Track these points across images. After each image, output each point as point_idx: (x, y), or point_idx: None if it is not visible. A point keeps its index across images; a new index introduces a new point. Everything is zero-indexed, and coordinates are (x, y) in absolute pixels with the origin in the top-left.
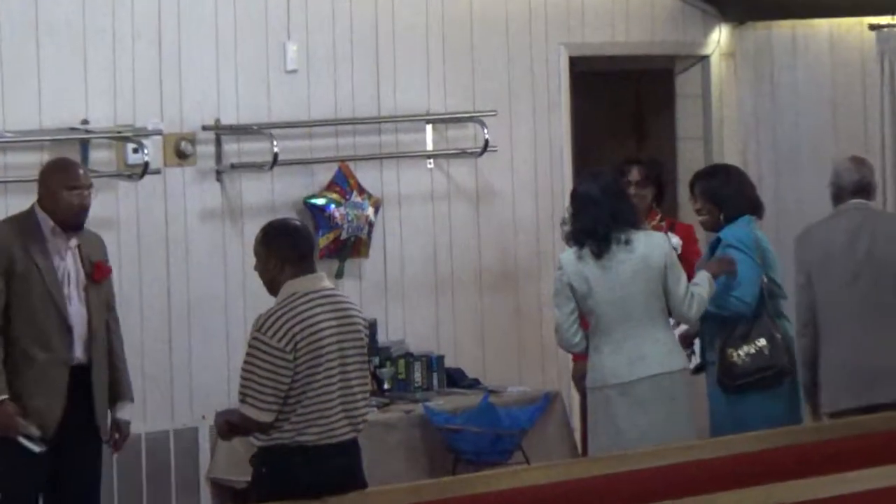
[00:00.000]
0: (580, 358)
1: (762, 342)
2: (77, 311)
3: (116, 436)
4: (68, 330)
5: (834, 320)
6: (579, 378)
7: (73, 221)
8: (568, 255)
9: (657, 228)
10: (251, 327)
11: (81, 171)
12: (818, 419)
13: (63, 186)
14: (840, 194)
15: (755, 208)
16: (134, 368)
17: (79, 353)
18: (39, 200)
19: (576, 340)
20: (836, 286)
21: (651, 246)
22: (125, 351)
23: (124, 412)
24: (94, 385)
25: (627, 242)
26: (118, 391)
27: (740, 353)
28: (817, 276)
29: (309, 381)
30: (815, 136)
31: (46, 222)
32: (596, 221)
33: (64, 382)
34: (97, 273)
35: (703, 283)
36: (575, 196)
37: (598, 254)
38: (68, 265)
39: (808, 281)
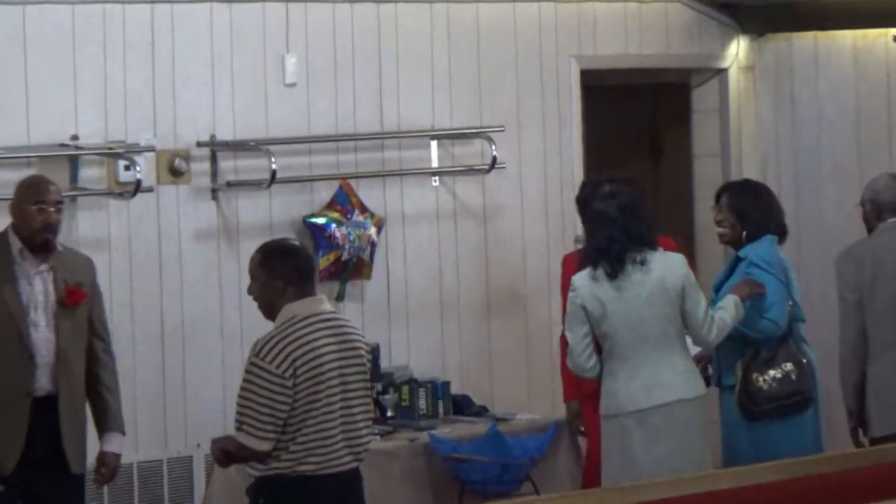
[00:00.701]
0: (571, 395)
1: (789, 366)
2: (43, 338)
3: (103, 470)
4: (30, 357)
5: (883, 342)
6: (573, 417)
7: (38, 240)
8: (581, 275)
9: None
10: (249, 352)
11: (52, 188)
12: (858, 444)
13: (29, 202)
14: (880, 212)
15: (779, 231)
16: (125, 394)
17: (44, 381)
18: (12, 222)
19: (589, 365)
20: (886, 307)
21: (668, 267)
22: (118, 377)
23: (111, 444)
24: (61, 416)
25: (643, 263)
26: (105, 422)
27: (766, 377)
28: (868, 297)
29: (309, 409)
30: (837, 153)
31: (15, 244)
32: (610, 240)
33: (24, 414)
34: (68, 298)
35: (729, 306)
36: (589, 213)
37: (613, 274)
38: (36, 289)
39: (860, 302)
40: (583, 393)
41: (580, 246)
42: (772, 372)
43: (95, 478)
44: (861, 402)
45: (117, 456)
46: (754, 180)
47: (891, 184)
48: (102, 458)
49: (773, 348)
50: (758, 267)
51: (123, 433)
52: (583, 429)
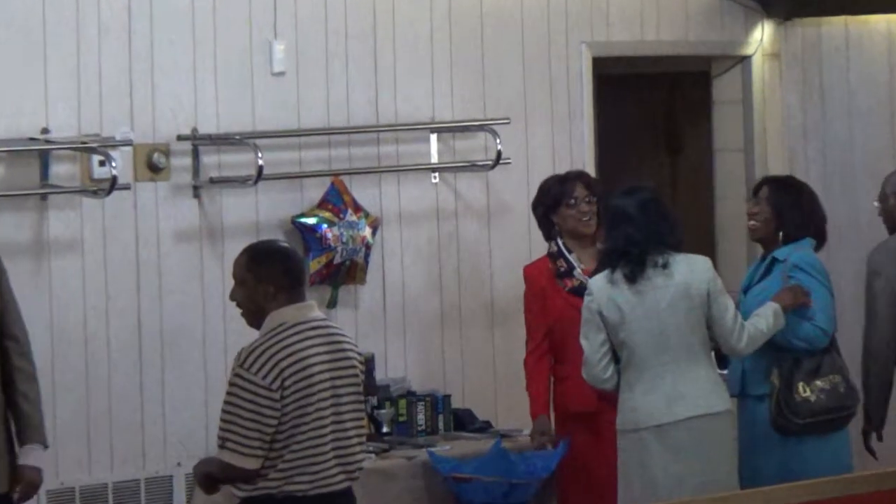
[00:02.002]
0: (538, 409)
1: (837, 378)
2: None
3: (18, 488)
4: None
5: None
6: (539, 433)
7: None
8: (598, 279)
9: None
10: (233, 362)
11: None
12: (870, 450)
13: None
14: None
15: (818, 237)
16: (100, 409)
17: None
18: None
19: (606, 375)
20: None
21: (692, 270)
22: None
23: (29, 458)
24: None
25: (665, 266)
26: (22, 434)
27: (813, 388)
28: None
29: (298, 424)
30: (870, 147)
31: None
32: (629, 241)
33: None
34: None
35: (767, 314)
36: (607, 212)
37: (632, 278)
38: None
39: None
40: (568, 413)
41: (599, 246)
42: (819, 382)
43: (12, 495)
44: (885, 405)
45: (35, 470)
46: (799, 180)
47: None
48: (20, 472)
49: (817, 358)
50: (804, 272)
51: (45, 445)
52: (550, 447)
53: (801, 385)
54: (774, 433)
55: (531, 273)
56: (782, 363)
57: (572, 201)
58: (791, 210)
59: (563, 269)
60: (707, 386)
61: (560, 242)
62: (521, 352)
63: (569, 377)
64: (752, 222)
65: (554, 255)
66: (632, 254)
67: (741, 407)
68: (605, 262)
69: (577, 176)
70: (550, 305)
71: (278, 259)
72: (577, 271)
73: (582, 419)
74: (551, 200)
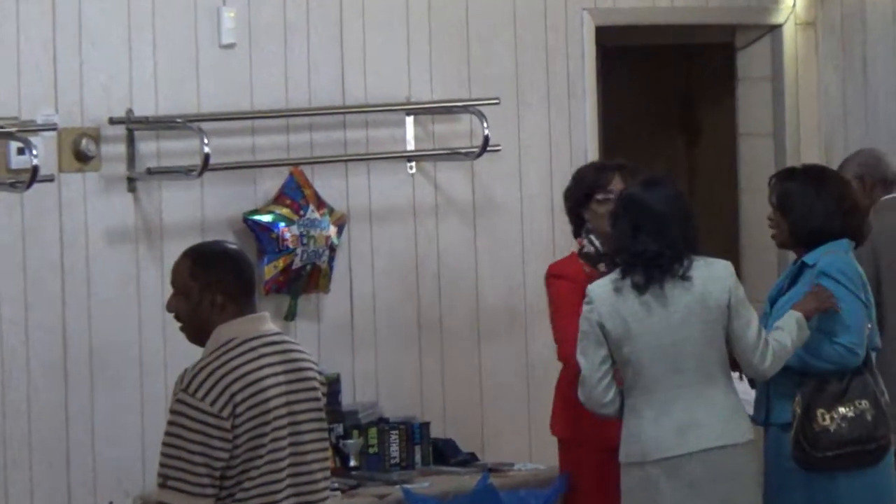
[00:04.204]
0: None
1: (864, 404)
2: None
3: None
4: None
5: None
6: None
7: None
8: (601, 285)
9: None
10: (174, 385)
11: None
12: None
13: None
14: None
15: (853, 236)
16: (18, 439)
17: None
18: None
19: (606, 399)
20: None
21: (711, 278)
22: None
23: None
24: None
25: (684, 273)
26: None
27: (835, 415)
28: None
29: (252, 458)
30: None
31: None
32: (653, 246)
33: None
34: None
35: (789, 326)
36: (623, 207)
37: (644, 286)
38: None
39: None
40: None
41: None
42: (842, 409)
43: None
44: None
45: None
46: (819, 166)
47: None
48: None
49: (845, 380)
50: (831, 278)
51: None
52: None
53: (820, 412)
54: (798, 469)
55: (567, 272)
56: (806, 387)
57: (606, 196)
58: (802, 207)
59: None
60: (725, 413)
61: (597, 242)
62: (511, 372)
63: None
64: (771, 230)
65: (591, 258)
66: (653, 261)
67: (766, 437)
68: (623, 267)
69: (617, 166)
70: None
71: (228, 263)
72: None
73: (601, 452)
74: (582, 192)
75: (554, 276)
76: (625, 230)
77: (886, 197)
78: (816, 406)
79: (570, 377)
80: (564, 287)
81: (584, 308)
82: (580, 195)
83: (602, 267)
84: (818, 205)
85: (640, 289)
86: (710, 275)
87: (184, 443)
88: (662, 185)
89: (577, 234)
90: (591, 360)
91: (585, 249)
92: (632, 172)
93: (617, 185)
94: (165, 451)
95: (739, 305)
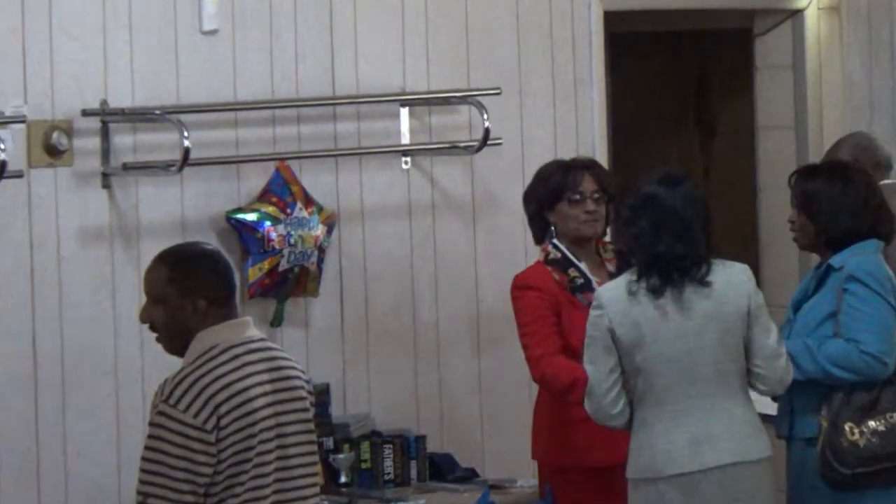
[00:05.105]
0: None
1: (895, 418)
2: None
3: None
4: None
5: None
6: None
7: None
8: (612, 288)
9: (608, 262)
10: (154, 396)
11: None
12: None
13: None
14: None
15: (883, 236)
16: None
17: None
18: None
19: (615, 410)
20: None
21: (731, 282)
22: None
23: None
24: None
25: (703, 277)
26: None
27: (864, 429)
28: None
29: (237, 473)
30: None
31: None
32: (674, 248)
33: None
34: None
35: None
36: (634, 204)
37: (660, 290)
38: None
39: None
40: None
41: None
42: (871, 423)
43: None
44: None
45: None
46: (842, 161)
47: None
48: None
49: (874, 391)
50: (860, 282)
51: None
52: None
53: (848, 426)
54: (825, 487)
55: (536, 282)
56: (833, 399)
57: (576, 196)
58: (829, 207)
59: (580, 282)
60: (744, 427)
61: (562, 247)
62: (512, 382)
63: (588, 419)
64: (791, 232)
65: (560, 264)
66: (674, 264)
67: (790, 452)
68: (640, 269)
69: (586, 165)
70: (570, 327)
71: (208, 265)
72: (595, 283)
73: (602, 476)
74: (549, 192)
75: (521, 287)
76: (645, 230)
77: (884, 182)
78: (844, 419)
79: (545, 398)
80: (532, 298)
81: (593, 313)
82: (547, 195)
83: (573, 272)
84: (845, 203)
85: (656, 292)
86: (729, 279)
87: (165, 458)
88: (683, 182)
89: (539, 240)
90: (599, 368)
91: (552, 256)
92: (602, 172)
93: (588, 185)
94: (145, 466)
95: (760, 311)
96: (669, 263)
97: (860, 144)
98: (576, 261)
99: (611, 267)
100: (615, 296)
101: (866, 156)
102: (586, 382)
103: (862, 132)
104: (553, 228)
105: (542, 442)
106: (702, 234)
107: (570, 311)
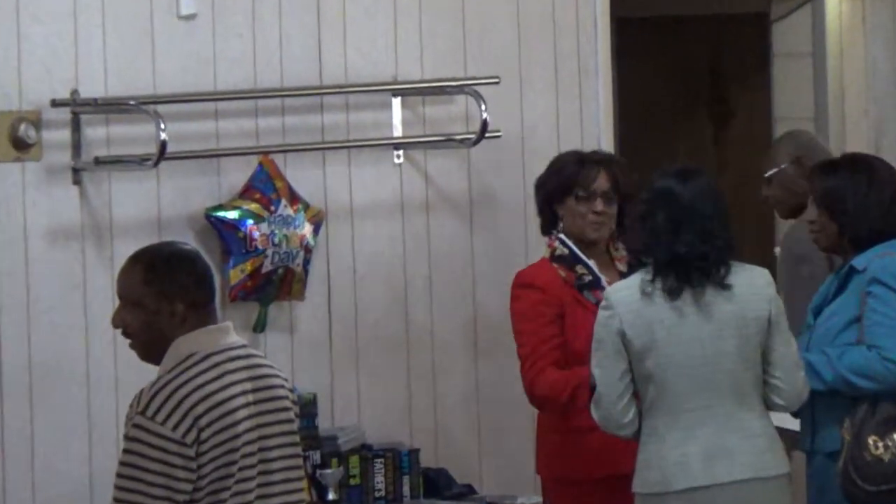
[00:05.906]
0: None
1: None
2: None
3: None
4: None
5: None
6: None
7: None
8: (624, 288)
9: (619, 261)
10: (129, 408)
11: None
12: None
13: None
14: None
15: None
16: None
17: None
18: None
19: (626, 419)
20: None
21: (751, 286)
22: None
23: None
24: None
25: (723, 279)
26: None
27: (889, 443)
28: None
29: (218, 489)
30: None
31: None
32: (683, 244)
33: None
34: None
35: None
36: (649, 200)
37: (677, 291)
38: None
39: None
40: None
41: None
42: None
43: None
44: None
45: None
46: (863, 155)
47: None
48: None
49: None
50: (884, 285)
51: None
52: None
53: (872, 440)
54: (848, 503)
55: (540, 281)
56: (856, 411)
57: (586, 193)
58: (855, 205)
59: (588, 279)
60: (761, 441)
61: (569, 242)
62: (512, 392)
63: (597, 428)
64: (813, 233)
65: (567, 260)
66: (694, 264)
67: (810, 465)
68: (656, 268)
69: (603, 161)
70: (575, 328)
71: (186, 266)
72: (604, 281)
73: (608, 486)
74: (559, 185)
75: (524, 286)
76: (662, 227)
77: None
78: (868, 433)
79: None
80: (534, 301)
81: (602, 314)
82: (557, 188)
83: (581, 268)
84: (872, 200)
85: (673, 293)
86: (750, 282)
87: (142, 474)
88: (699, 177)
89: (546, 232)
90: (609, 373)
91: (558, 252)
92: (620, 170)
93: (601, 182)
94: (120, 483)
95: (781, 318)
96: (690, 263)
97: (804, 143)
98: (584, 258)
99: (621, 266)
100: (627, 296)
101: (811, 154)
102: (587, 385)
103: (801, 129)
104: (561, 223)
105: (547, 454)
106: (722, 231)
107: (576, 310)
